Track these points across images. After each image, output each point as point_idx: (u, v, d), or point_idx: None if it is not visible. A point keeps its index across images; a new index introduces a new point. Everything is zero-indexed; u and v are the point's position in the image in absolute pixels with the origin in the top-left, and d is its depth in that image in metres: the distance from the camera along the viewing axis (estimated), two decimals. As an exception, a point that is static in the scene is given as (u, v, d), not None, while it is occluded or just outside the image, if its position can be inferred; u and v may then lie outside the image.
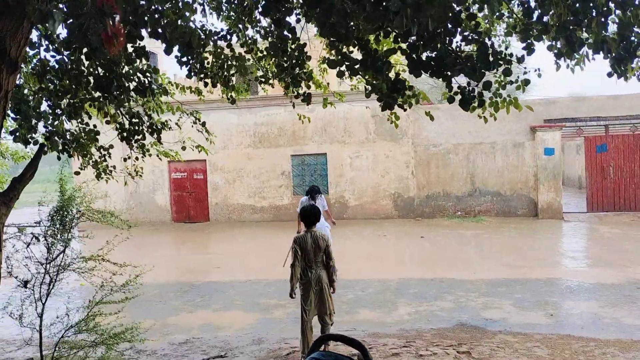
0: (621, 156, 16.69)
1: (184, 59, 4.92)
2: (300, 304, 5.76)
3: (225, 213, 19.12)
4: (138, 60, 4.85)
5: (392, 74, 3.57)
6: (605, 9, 3.24)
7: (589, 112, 16.57)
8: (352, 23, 3.43)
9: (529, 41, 3.32)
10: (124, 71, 5.05)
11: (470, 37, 3.26)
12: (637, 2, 3.27)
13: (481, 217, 16.95)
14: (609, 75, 3.39)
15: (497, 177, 17.16)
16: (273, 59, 5.55)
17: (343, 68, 3.80)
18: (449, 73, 2.97)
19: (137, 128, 5.94)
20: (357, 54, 3.79)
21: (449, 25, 2.99)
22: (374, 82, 3.69)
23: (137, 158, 6.49)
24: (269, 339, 6.81)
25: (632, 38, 3.21)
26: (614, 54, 3.19)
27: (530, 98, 21.81)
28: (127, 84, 5.12)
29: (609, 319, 7.25)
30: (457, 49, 3.07)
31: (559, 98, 17.00)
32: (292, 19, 4.77)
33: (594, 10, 3.22)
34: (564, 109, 16.72)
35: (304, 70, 5.40)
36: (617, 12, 3.32)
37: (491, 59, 3.00)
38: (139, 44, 4.30)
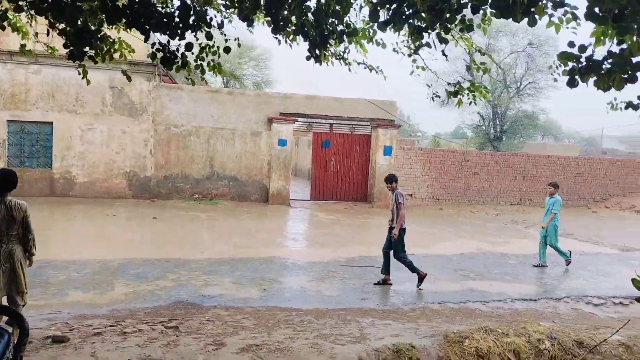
0: (341, 152, 19.01)
1: None
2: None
3: None
4: None
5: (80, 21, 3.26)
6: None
7: (318, 110, 18.40)
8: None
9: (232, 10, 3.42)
10: None
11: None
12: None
13: (217, 201, 17.35)
14: (307, 58, 3.74)
15: (235, 163, 17.77)
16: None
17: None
18: (147, 27, 2.85)
19: None
20: None
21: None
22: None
23: None
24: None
25: (326, 26, 3.59)
26: (311, 38, 3.51)
27: (271, 91, 23.12)
28: None
29: (313, 291, 8.14)
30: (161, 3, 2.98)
31: (294, 94, 18.41)
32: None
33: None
34: (299, 105, 18.22)
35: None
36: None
37: (192, 20, 3.00)
38: None
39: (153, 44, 3.19)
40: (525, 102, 39.16)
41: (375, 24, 3.61)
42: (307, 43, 3.52)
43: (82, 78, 5.07)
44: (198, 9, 3.03)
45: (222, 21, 3.42)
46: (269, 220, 15.13)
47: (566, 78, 3.24)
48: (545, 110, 41.15)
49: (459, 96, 5.85)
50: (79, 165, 16.61)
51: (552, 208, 10.76)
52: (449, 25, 3.63)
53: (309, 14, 3.41)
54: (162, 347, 5.05)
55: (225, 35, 4.51)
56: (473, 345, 5.64)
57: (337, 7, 3.63)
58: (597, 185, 21.11)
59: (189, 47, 3.22)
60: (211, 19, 3.37)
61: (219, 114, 17.50)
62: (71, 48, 3.16)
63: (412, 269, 8.62)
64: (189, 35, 3.11)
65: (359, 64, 6.59)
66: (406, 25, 3.71)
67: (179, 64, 3.25)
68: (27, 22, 5.50)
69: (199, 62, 4.09)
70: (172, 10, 2.87)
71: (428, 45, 4.46)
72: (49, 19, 3.33)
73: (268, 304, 7.28)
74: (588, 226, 16.86)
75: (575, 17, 3.83)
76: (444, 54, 4.64)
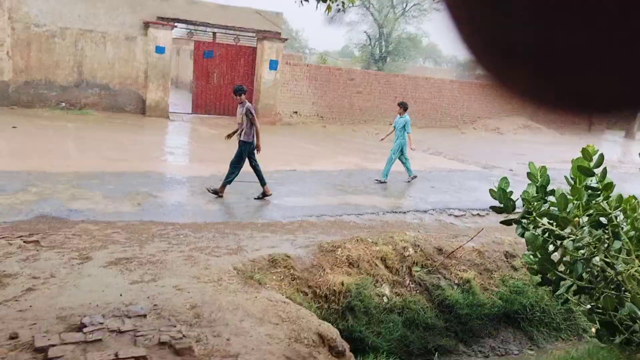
0: (225, 64, 18.23)
1: None
2: None
3: None
4: None
5: None
6: None
7: (201, 17, 17.26)
8: None
9: None
10: None
11: None
12: None
13: (87, 111, 16.01)
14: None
15: (107, 70, 16.33)
16: None
17: None
18: None
19: None
20: None
21: None
22: None
23: None
24: None
25: None
26: None
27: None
28: None
29: (190, 206, 7.97)
30: None
31: (174, -2, 17.02)
32: None
33: None
34: (179, 9, 16.91)
35: None
36: None
37: None
38: None
39: None
40: (409, 23, 40.01)
41: None
42: None
43: None
44: None
45: None
46: (146, 134, 14.36)
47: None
48: (427, 33, 42.35)
49: (328, 2, 5.72)
50: None
51: (407, 128, 11.02)
52: None
53: None
54: (20, 261, 4.67)
55: None
56: (345, 254, 5.93)
57: None
58: (467, 108, 22.61)
59: None
60: None
61: (87, 15, 15.75)
62: None
63: (228, 182, 8.48)
64: None
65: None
66: None
67: None
68: None
69: None
70: None
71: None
72: None
73: (142, 219, 7.02)
74: (456, 146, 18.14)
75: None
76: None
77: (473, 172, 13.42)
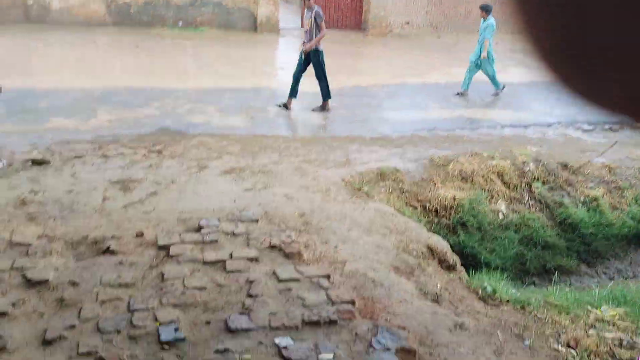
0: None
1: None
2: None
3: None
4: None
5: None
6: None
7: None
8: None
9: None
10: None
11: None
12: None
13: (202, 28, 16.44)
14: None
15: (219, -13, 16.46)
16: None
17: None
18: None
19: None
20: None
21: None
22: None
23: None
24: None
25: None
26: None
27: None
28: None
29: (301, 120, 8.02)
30: None
31: None
32: None
33: None
34: None
35: None
36: None
37: None
38: None
39: None
40: None
41: None
42: None
43: None
44: None
45: None
46: (258, 49, 14.49)
47: None
48: None
49: None
50: (51, -10, 15.38)
51: (485, 33, 9.82)
52: None
53: None
54: (144, 168, 5.02)
55: None
56: (457, 168, 5.66)
57: None
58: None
59: None
60: None
61: None
62: None
63: (326, 94, 8.30)
64: None
65: None
66: None
67: None
68: None
69: None
70: None
71: None
72: None
73: (255, 132, 7.19)
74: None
75: None
76: None
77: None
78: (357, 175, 5.30)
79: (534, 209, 5.62)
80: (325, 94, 8.30)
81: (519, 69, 13.47)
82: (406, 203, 5.18)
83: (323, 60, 8.18)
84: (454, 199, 5.26)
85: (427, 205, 5.23)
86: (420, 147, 6.76)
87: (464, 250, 5.02)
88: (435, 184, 5.45)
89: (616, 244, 5.54)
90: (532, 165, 5.91)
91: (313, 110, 8.34)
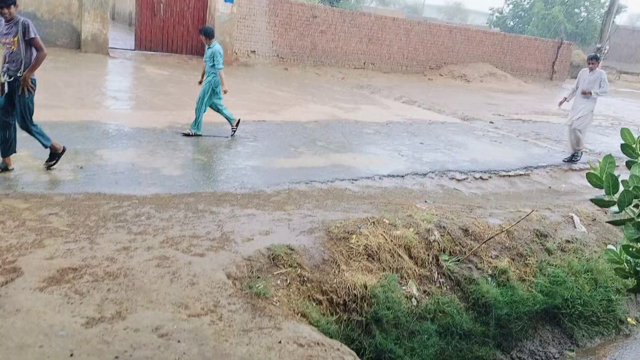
0: (172, -7, 15.90)
1: None
2: None
3: None
4: None
5: None
6: None
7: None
8: None
9: None
10: None
11: None
12: None
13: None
14: None
15: (31, -5, 13.73)
16: None
17: None
18: None
19: None
20: None
21: None
22: None
23: None
24: None
25: None
26: None
27: None
28: None
29: (147, 169, 6.37)
30: None
31: None
32: None
33: None
34: None
35: None
36: None
37: None
38: None
39: None
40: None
41: None
42: None
43: None
44: None
45: None
46: (83, 73, 12.17)
47: None
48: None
49: None
50: None
51: (214, 62, 7.87)
52: None
53: None
54: None
55: None
56: (362, 243, 4.63)
57: None
58: (434, 53, 21.29)
59: None
60: None
61: None
62: None
63: (45, 140, 5.81)
64: None
65: None
66: None
67: None
68: None
69: None
70: None
71: None
72: None
73: (87, 189, 5.40)
74: (428, 94, 16.94)
75: None
76: None
77: (454, 125, 12.29)
78: (244, 263, 3.94)
79: (445, 287, 4.82)
80: (43, 139, 5.82)
81: (375, 107, 13.24)
82: (309, 297, 3.98)
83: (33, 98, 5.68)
84: (365, 287, 4.20)
85: (334, 297, 4.08)
86: (304, 207, 5.64)
87: (382, 356, 3.97)
88: (339, 266, 4.33)
89: (528, 322, 5.00)
90: (437, 234, 5.14)
91: (48, 167, 5.94)
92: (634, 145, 3.01)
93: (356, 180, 7.12)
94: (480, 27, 41.30)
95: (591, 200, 2.97)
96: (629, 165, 2.94)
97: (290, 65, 17.70)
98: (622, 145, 3.01)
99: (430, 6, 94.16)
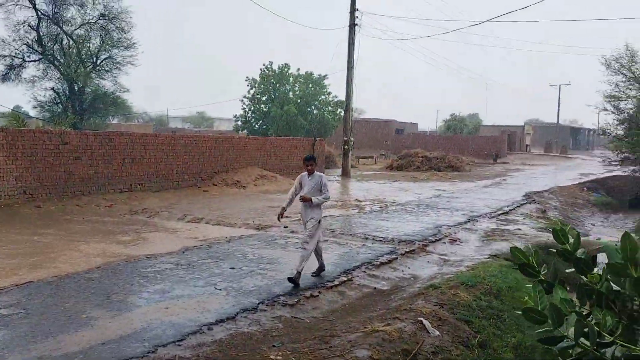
0: None
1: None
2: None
3: None
4: None
5: None
6: None
7: None
8: None
9: None
10: None
11: None
12: None
13: None
14: None
15: None
16: None
17: None
18: None
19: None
20: None
21: None
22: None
23: None
24: None
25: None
26: None
27: None
28: None
29: None
30: None
31: None
32: None
33: None
34: None
35: None
36: None
37: None
38: None
39: None
40: (104, 78, 35.96)
41: None
42: None
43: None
44: None
45: None
46: None
47: None
48: (126, 88, 38.41)
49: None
50: None
51: None
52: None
53: None
54: None
55: None
56: None
57: None
58: (203, 163, 20.69)
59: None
60: None
61: None
62: None
63: None
64: None
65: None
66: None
67: None
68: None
69: None
70: None
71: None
72: None
73: None
74: (209, 207, 16.04)
75: None
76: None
77: (253, 238, 11.52)
78: None
79: None
80: None
81: (160, 233, 11.62)
82: None
83: None
84: None
85: None
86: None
87: None
88: None
89: None
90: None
91: None
92: (533, 263, 2.58)
93: (182, 340, 5.63)
94: (227, 133, 42.92)
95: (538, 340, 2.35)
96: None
97: (43, 201, 14.97)
98: (520, 265, 2.57)
99: (174, 118, 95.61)
